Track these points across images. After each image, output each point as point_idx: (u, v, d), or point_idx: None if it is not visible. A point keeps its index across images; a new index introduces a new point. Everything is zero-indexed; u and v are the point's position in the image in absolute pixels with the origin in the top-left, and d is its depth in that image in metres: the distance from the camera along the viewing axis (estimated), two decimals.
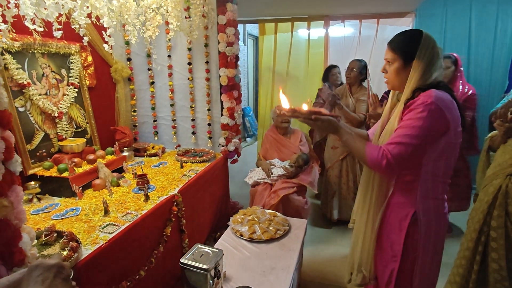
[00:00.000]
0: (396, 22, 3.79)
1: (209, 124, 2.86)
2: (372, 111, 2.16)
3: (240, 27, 2.89)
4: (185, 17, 2.48)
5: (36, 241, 1.35)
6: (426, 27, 3.55)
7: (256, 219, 2.08)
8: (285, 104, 1.30)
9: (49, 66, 2.10)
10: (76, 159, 2.04)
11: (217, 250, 1.43)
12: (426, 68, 1.19)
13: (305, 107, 1.28)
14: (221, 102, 2.71)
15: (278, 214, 2.21)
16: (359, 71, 2.83)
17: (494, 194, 1.53)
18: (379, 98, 2.30)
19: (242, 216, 2.14)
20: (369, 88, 2.89)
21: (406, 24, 3.75)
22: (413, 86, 1.21)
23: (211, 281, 1.35)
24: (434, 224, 1.26)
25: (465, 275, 1.64)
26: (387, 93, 1.41)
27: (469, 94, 2.60)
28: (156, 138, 3.06)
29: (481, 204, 1.59)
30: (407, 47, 1.23)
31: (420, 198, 1.23)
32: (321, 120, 1.24)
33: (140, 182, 2.00)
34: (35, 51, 1.99)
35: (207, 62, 2.71)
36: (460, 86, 2.64)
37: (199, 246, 1.46)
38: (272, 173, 2.78)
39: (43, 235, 1.38)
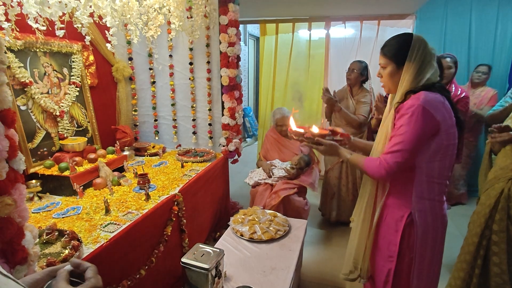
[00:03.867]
0: (397, 24, 3.80)
1: (209, 124, 2.87)
2: (376, 105, 2.21)
3: (241, 27, 2.88)
4: (187, 17, 2.48)
5: (37, 239, 1.35)
6: (427, 29, 3.57)
7: (256, 219, 2.08)
8: (293, 126, 1.45)
9: (51, 65, 2.10)
10: (77, 158, 2.04)
11: (218, 250, 1.43)
12: (418, 70, 1.21)
13: (315, 129, 1.41)
14: (222, 102, 2.72)
15: (279, 214, 2.21)
16: (360, 72, 2.84)
17: (496, 197, 1.53)
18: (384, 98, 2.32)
19: (243, 216, 2.14)
20: (372, 90, 2.89)
21: (406, 26, 3.76)
22: (405, 89, 1.23)
23: (211, 281, 1.35)
24: (431, 225, 1.26)
25: (466, 278, 1.64)
26: None
27: (461, 96, 2.59)
28: (156, 138, 3.06)
29: (483, 207, 1.58)
30: (397, 50, 1.25)
31: (415, 199, 1.25)
32: (323, 144, 1.37)
33: (141, 182, 2.01)
34: (37, 50, 1.99)
35: (208, 62, 2.72)
36: (453, 88, 2.63)
37: (200, 245, 1.47)
38: (273, 174, 2.79)
39: (45, 234, 1.38)
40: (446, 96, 1.21)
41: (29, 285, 0.57)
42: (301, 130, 1.42)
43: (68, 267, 0.58)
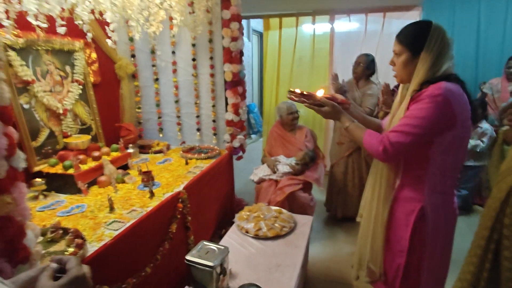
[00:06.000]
0: (403, 16, 3.73)
1: (213, 121, 2.85)
2: (384, 99, 2.13)
3: (244, 23, 2.87)
4: (189, 12, 2.46)
5: (42, 238, 1.35)
6: (434, 20, 3.47)
7: (261, 216, 2.06)
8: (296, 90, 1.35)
9: (53, 63, 2.09)
10: (81, 156, 2.03)
11: (222, 247, 1.42)
12: (435, 60, 1.17)
13: (320, 93, 1.32)
14: (226, 98, 2.69)
15: (284, 210, 2.19)
16: (366, 65, 2.80)
17: (507, 191, 1.49)
18: (391, 90, 2.27)
19: (248, 213, 2.12)
20: (378, 84, 2.84)
21: (413, 17, 3.68)
22: (421, 79, 1.19)
23: (216, 278, 1.34)
24: (442, 219, 1.24)
25: (476, 273, 1.60)
26: (397, 86, 1.39)
27: None
28: (161, 135, 3.05)
29: (494, 201, 1.54)
30: (415, 39, 1.20)
31: (428, 192, 1.22)
32: (327, 105, 1.27)
33: (145, 179, 1.99)
34: (39, 48, 1.98)
35: (211, 58, 2.69)
36: None
37: (205, 243, 1.45)
38: (277, 169, 2.76)
39: (49, 232, 1.37)
40: (462, 87, 1.18)
41: (24, 283, 0.57)
42: (299, 91, 1.33)
43: (53, 264, 0.59)
